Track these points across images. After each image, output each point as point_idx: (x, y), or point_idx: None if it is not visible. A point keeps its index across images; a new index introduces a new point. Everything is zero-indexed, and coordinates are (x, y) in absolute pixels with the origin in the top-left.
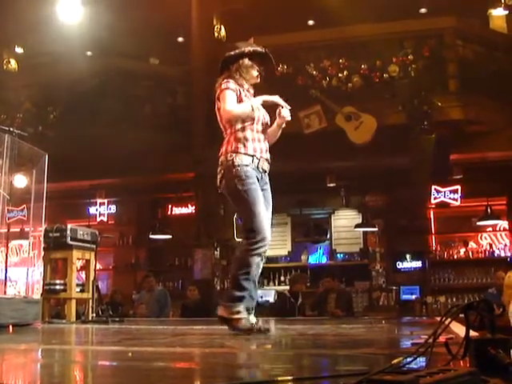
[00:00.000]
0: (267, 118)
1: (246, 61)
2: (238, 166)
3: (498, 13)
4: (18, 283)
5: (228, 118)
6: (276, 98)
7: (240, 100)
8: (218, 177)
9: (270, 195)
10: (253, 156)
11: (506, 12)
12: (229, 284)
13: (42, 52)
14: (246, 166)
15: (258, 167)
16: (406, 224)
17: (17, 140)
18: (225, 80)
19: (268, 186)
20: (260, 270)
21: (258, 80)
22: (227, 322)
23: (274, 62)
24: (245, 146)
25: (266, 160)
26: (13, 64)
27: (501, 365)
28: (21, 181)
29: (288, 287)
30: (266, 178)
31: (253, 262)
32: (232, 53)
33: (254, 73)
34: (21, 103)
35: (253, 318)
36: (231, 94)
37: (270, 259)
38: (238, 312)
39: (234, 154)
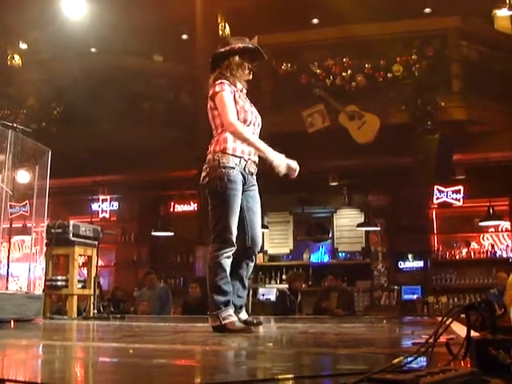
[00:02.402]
0: (259, 120)
1: (237, 58)
2: (224, 167)
3: (503, 13)
4: (19, 279)
5: (230, 131)
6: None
7: (234, 102)
8: (202, 174)
9: (258, 195)
10: (240, 157)
11: (511, 13)
12: (209, 293)
13: (46, 48)
14: (232, 168)
15: (244, 169)
16: (408, 224)
17: (20, 136)
18: (219, 81)
19: (255, 188)
20: (250, 271)
21: (250, 77)
22: (221, 329)
23: (265, 57)
24: (233, 146)
25: (254, 162)
26: (17, 60)
27: (502, 365)
28: (24, 176)
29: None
30: (254, 180)
31: (225, 264)
32: (222, 50)
33: (245, 70)
34: (24, 99)
35: (244, 314)
36: (229, 100)
37: (271, 257)
38: (229, 316)
39: (220, 154)
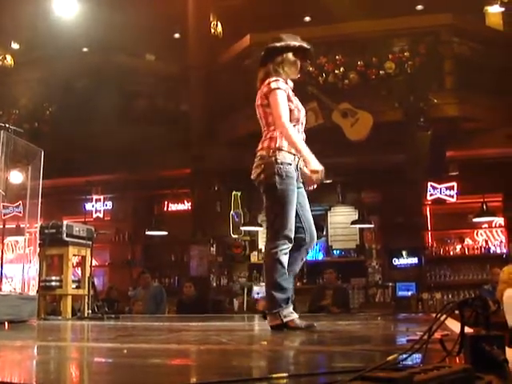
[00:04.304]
0: (305, 118)
1: (290, 55)
2: (281, 163)
3: (494, 10)
4: (13, 280)
5: (280, 131)
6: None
7: (289, 100)
8: (257, 171)
9: (305, 193)
10: (294, 155)
11: (503, 9)
12: (268, 290)
13: (38, 48)
14: (289, 164)
15: (297, 166)
16: (402, 220)
17: (12, 136)
18: (274, 78)
19: (302, 185)
20: (301, 265)
21: (298, 75)
22: (282, 328)
23: (314, 58)
24: (288, 144)
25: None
26: (9, 60)
27: (495, 361)
28: (16, 177)
29: None
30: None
31: (284, 261)
32: (277, 44)
33: (296, 68)
34: (17, 99)
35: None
36: (284, 99)
37: None
38: (290, 313)
39: (277, 151)
